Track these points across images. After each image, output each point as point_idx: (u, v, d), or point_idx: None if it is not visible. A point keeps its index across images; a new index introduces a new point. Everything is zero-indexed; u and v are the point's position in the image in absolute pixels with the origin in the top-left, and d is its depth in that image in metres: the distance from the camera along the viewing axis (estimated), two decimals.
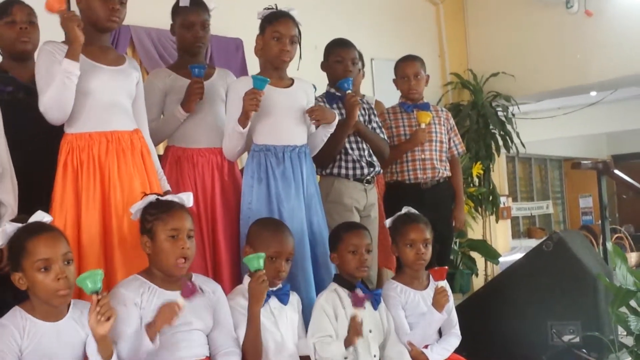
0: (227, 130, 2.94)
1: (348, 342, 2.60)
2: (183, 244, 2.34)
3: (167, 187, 2.78)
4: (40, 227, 2.16)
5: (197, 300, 2.41)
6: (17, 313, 2.12)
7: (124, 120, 2.62)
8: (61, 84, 2.44)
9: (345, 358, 2.62)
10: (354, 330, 2.59)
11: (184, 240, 2.35)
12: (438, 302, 2.87)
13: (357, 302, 2.67)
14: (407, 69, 3.88)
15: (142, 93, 2.78)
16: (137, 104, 2.74)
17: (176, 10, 3.07)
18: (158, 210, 2.36)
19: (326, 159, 3.30)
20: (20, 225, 2.15)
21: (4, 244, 2.15)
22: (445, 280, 2.96)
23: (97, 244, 2.47)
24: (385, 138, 3.60)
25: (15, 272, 2.12)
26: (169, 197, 2.45)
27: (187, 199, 2.47)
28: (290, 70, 3.03)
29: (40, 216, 2.20)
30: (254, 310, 2.49)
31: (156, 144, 3.13)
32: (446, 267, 3.01)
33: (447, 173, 3.92)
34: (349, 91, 3.23)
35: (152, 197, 2.43)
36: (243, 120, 2.83)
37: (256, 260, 2.46)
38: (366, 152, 3.41)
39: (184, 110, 2.96)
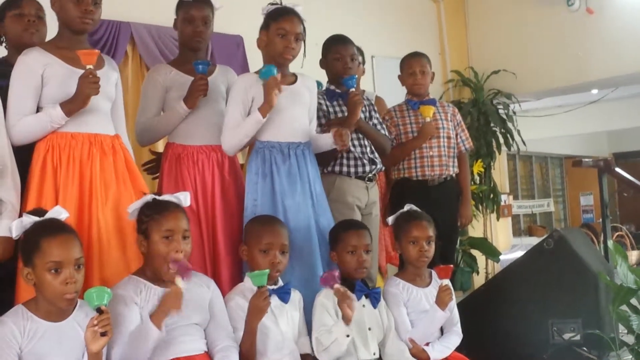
0: (229, 122, 2.90)
1: (345, 316, 2.58)
2: (177, 246, 2.34)
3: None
4: (58, 226, 2.15)
5: (193, 294, 2.41)
6: (19, 311, 2.11)
7: (104, 125, 2.62)
8: (41, 127, 2.48)
9: (348, 336, 2.60)
10: (342, 298, 2.56)
11: (178, 241, 2.35)
12: (442, 300, 2.87)
13: (331, 282, 2.60)
14: (413, 65, 3.88)
15: (120, 95, 2.78)
16: (115, 106, 2.72)
17: (180, 4, 3.07)
18: (153, 211, 2.37)
19: (328, 157, 3.29)
20: (37, 219, 2.14)
21: (19, 236, 2.13)
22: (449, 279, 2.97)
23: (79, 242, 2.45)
24: (386, 134, 3.60)
25: (25, 266, 2.11)
26: (165, 197, 2.44)
27: (184, 198, 2.46)
28: (294, 68, 3.03)
29: (57, 212, 2.19)
30: (252, 325, 2.48)
31: (156, 140, 3.13)
32: (451, 265, 3.01)
33: (455, 170, 3.90)
34: (353, 89, 3.23)
35: (149, 197, 2.42)
36: (267, 109, 2.81)
37: (260, 277, 2.46)
38: (368, 149, 3.40)
39: (187, 106, 2.95)
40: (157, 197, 2.43)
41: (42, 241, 2.07)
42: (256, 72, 2.99)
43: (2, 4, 2.99)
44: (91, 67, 2.44)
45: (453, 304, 3.00)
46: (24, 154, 2.52)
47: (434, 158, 3.80)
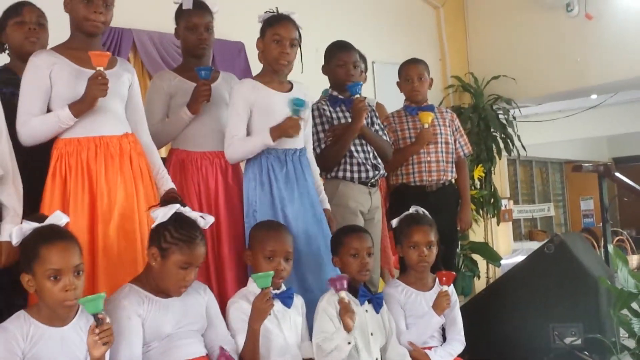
0: (235, 132, 2.89)
1: (346, 326, 2.59)
2: (189, 277, 2.35)
3: (171, 185, 2.76)
4: (57, 233, 2.14)
5: (191, 303, 2.43)
6: (21, 316, 2.11)
7: (113, 125, 2.60)
8: (49, 128, 2.50)
9: (349, 343, 2.61)
10: (344, 310, 2.58)
11: (191, 273, 2.35)
12: (439, 305, 2.89)
13: (339, 286, 2.63)
14: (410, 71, 3.90)
15: (137, 94, 2.76)
16: (131, 106, 2.71)
17: (180, 13, 3.07)
18: (181, 237, 2.32)
19: (332, 163, 3.31)
20: (36, 225, 2.13)
21: (18, 243, 2.13)
22: (452, 286, 2.97)
23: (85, 250, 2.42)
24: (388, 140, 3.62)
25: (25, 273, 2.11)
26: (191, 215, 2.41)
27: (204, 222, 2.44)
28: (294, 73, 3.04)
29: (58, 217, 2.18)
30: (254, 327, 2.48)
31: (161, 146, 3.11)
32: (454, 273, 3.03)
33: (453, 175, 3.92)
34: (358, 95, 3.24)
35: (176, 208, 2.38)
36: (277, 137, 2.84)
37: (264, 279, 2.46)
38: (371, 155, 3.41)
39: (190, 112, 2.96)
40: (183, 211, 2.39)
41: (40, 248, 2.07)
42: (254, 78, 3.00)
43: (3, 11, 3.00)
44: (101, 69, 2.45)
45: (456, 312, 3.02)
46: (35, 157, 2.54)
47: (432, 163, 3.83)
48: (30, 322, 2.09)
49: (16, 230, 2.13)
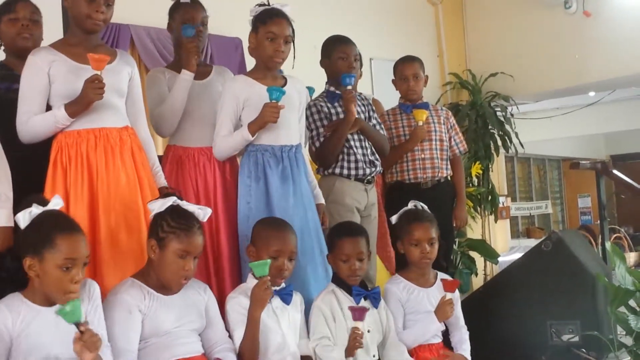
0: (220, 130, 2.90)
1: (349, 353, 2.60)
2: (188, 267, 2.34)
3: (164, 183, 2.76)
4: (71, 224, 2.15)
5: (191, 301, 2.43)
6: (15, 297, 2.11)
7: (112, 118, 2.60)
8: (48, 127, 2.51)
9: None
10: (354, 341, 2.58)
11: (190, 262, 2.35)
12: (443, 314, 2.89)
13: (358, 316, 2.62)
14: (405, 70, 3.89)
15: (137, 88, 2.75)
16: (131, 100, 2.70)
17: (176, 7, 3.06)
18: (178, 225, 2.33)
19: (329, 158, 3.30)
20: (43, 209, 2.12)
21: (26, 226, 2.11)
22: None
23: (86, 240, 2.45)
24: (385, 134, 3.61)
25: (29, 256, 2.08)
26: (188, 207, 2.41)
27: (203, 214, 2.44)
28: (286, 69, 3.02)
29: (56, 203, 2.18)
30: (254, 315, 2.47)
31: (174, 122, 2.99)
32: (458, 280, 3.04)
33: (448, 172, 3.92)
34: (349, 87, 3.23)
35: (172, 200, 2.38)
36: (256, 129, 2.83)
37: (262, 267, 2.46)
38: (368, 151, 3.41)
39: (189, 71, 2.91)
40: (180, 204, 2.40)
41: (55, 236, 2.06)
42: (247, 75, 2.99)
43: None
44: (99, 73, 2.45)
45: (458, 309, 3.03)
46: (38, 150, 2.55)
47: (426, 161, 3.83)
48: (22, 302, 2.09)
49: (24, 214, 2.11)
